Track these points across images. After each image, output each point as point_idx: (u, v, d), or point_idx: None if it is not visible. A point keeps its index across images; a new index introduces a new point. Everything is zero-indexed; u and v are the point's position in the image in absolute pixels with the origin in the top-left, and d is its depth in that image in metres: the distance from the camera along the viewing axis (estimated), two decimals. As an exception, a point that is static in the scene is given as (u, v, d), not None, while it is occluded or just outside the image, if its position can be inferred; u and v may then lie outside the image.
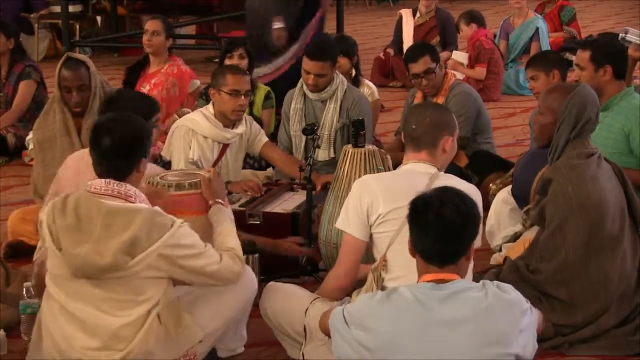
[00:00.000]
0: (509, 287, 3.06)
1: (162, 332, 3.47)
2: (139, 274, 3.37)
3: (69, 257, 3.36)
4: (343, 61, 6.71)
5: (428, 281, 3.04)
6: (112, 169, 3.46)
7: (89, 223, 3.37)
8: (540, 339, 3.21)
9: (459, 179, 3.81)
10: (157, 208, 3.48)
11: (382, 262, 3.65)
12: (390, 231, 3.63)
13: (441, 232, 3.00)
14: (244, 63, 6.49)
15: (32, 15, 11.52)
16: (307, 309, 3.78)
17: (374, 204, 3.65)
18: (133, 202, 3.43)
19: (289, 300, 3.90)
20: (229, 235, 3.74)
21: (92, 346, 3.41)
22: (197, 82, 6.96)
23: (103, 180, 3.46)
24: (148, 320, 3.42)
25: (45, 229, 3.43)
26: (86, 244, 3.34)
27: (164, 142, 5.55)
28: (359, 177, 4.44)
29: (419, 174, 3.70)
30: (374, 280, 3.66)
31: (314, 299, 3.83)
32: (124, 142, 3.46)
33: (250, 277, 3.93)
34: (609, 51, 4.99)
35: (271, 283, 4.07)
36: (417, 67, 5.98)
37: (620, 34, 5.68)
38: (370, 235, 3.72)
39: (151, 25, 6.93)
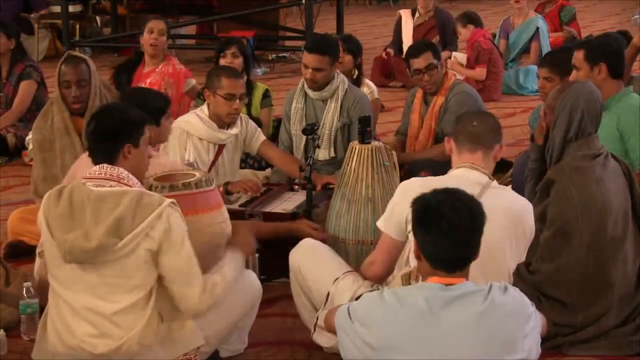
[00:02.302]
0: (514, 290, 3.06)
1: (162, 331, 3.48)
2: (129, 257, 3.39)
3: (59, 242, 3.42)
4: (347, 58, 6.71)
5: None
6: (99, 152, 3.60)
7: (81, 210, 3.42)
8: (541, 339, 3.21)
9: (511, 191, 3.79)
10: (144, 190, 3.54)
11: (415, 272, 3.60)
12: None
13: (454, 240, 2.99)
14: (237, 62, 6.46)
15: (32, 15, 11.52)
16: (337, 278, 3.80)
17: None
18: (126, 184, 3.50)
19: (323, 261, 3.94)
20: (222, 271, 3.65)
21: (91, 333, 3.44)
22: (193, 81, 6.94)
23: (97, 166, 3.57)
24: (146, 312, 3.43)
25: (42, 218, 3.49)
26: (77, 231, 3.39)
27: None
28: (366, 173, 4.46)
29: (470, 184, 3.57)
30: (402, 284, 3.63)
31: (347, 272, 3.85)
32: (104, 125, 3.63)
33: (254, 281, 3.95)
34: (602, 50, 5.00)
35: (307, 239, 4.13)
36: (419, 63, 5.99)
37: (634, 14, 5.69)
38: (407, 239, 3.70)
39: (156, 25, 6.89)
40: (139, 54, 7.03)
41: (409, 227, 3.57)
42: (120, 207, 3.38)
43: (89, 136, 3.65)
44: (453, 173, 3.74)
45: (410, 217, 3.52)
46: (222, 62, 6.47)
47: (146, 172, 3.76)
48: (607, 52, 5.00)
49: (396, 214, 3.69)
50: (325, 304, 3.79)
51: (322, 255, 3.99)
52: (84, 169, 4.30)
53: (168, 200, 3.46)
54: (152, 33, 6.85)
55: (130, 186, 3.51)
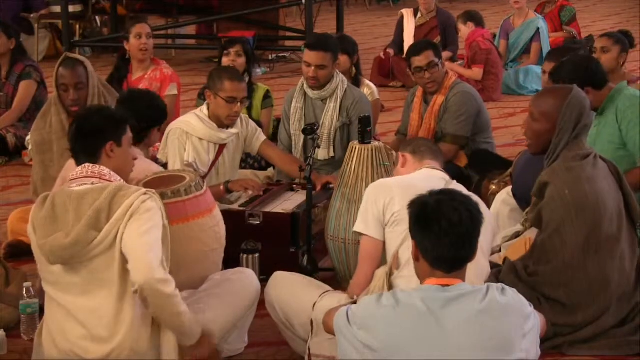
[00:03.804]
0: (512, 291, 3.06)
1: (154, 338, 3.47)
2: (113, 248, 3.38)
3: (40, 245, 3.43)
4: (343, 59, 6.71)
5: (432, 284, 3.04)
6: (81, 152, 3.61)
7: (64, 212, 3.43)
8: (540, 339, 3.21)
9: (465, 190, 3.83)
10: (124, 183, 3.55)
11: (395, 260, 3.66)
12: (404, 229, 3.61)
13: (456, 240, 2.99)
14: (241, 61, 6.47)
15: (32, 15, 11.52)
16: (315, 303, 3.76)
17: (390, 202, 3.70)
18: (108, 181, 3.51)
19: (297, 293, 3.88)
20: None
21: (84, 335, 3.43)
22: (175, 90, 6.80)
23: (80, 166, 3.58)
24: (137, 316, 3.41)
25: (30, 227, 3.51)
26: (60, 232, 3.40)
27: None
28: (366, 173, 4.47)
29: (436, 178, 3.82)
30: (386, 276, 3.66)
31: (323, 293, 3.82)
32: (85, 124, 3.64)
33: (253, 280, 3.95)
34: (579, 75, 4.93)
35: (278, 273, 4.04)
36: (420, 60, 6.01)
37: None
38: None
39: (143, 28, 6.80)
40: (124, 59, 6.91)
41: (387, 215, 3.70)
42: (98, 201, 3.39)
43: (72, 137, 3.65)
44: (419, 172, 3.89)
45: (387, 206, 3.69)
46: (225, 60, 6.47)
47: (131, 173, 3.74)
48: (584, 75, 4.95)
49: (372, 210, 3.75)
50: (312, 331, 3.75)
51: (295, 286, 3.93)
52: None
53: (143, 190, 3.46)
54: (140, 38, 6.76)
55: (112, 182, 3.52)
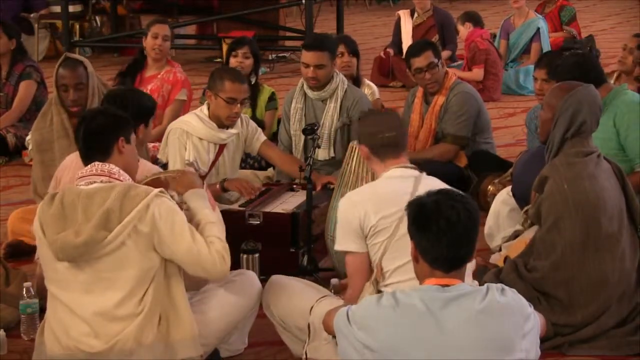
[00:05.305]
0: (511, 291, 3.06)
1: (160, 333, 3.48)
2: (121, 249, 3.39)
3: (50, 242, 3.43)
4: (353, 61, 6.71)
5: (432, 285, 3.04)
6: (94, 150, 3.60)
7: (73, 210, 3.43)
8: (540, 339, 3.21)
9: (440, 181, 3.81)
10: (133, 183, 3.56)
11: (379, 270, 3.65)
12: (383, 240, 3.64)
13: (454, 239, 2.98)
14: (248, 62, 6.47)
15: (32, 15, 11.52)
16: (312, 307, 3.76)
17: (365, 216, 3.66)
18: (117, 179, 3.51)
19: (294, 297, 3.88)
20: (211, 223, 3.64)
21: (88, 332, 3.44)
22: (184, 97, 6.82)
23: (89, 165, 3.58)
24: (143, 308, 3.43)
25: (37, 224, 3.50)
26: (69, 230, 3.40)
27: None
28: (366, 172, 4.46)
29: (404, 179, 3.74)
30: (373, 285, 3.66)
31: (320, 298, 3.82)
32: (96, 124, 3.63)
33: (255, 282, 3.94)
34: (578, 72, 4.91)
35: (275, 277, 4.03)
36: (420, 62, 6.00)
37: None
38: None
39: (162, 29, 6.83)
40: (142, 53, 6.98)
41: (366, 230, 3.66)
42: (108, 201, 3.39)
43: (82, 138, 3.64)
44: (387, 175, 3.80)
45: (363, 220, 3.65)
46: (233, 61, 6.46)
47: (135, 173, 3.74)
48: (578, 75, 4.92)
49: (348, 227, 3.71)
50: (309, 336, 3.75)
51: (292, 290, 3.92)
52: (69, 173, 4.35)
53: (155, 190, 3.46)
54: (157, 38, 6.80)
55: (121, 181, 3.52)
